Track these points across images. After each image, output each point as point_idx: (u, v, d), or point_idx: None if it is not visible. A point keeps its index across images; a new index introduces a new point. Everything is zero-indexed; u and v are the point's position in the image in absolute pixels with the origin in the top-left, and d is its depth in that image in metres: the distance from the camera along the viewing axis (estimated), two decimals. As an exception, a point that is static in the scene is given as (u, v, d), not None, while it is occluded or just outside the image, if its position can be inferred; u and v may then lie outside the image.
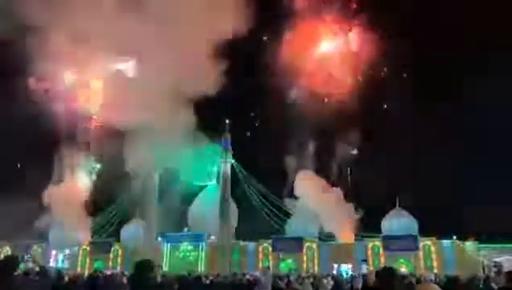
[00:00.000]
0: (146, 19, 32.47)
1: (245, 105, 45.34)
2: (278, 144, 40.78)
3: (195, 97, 35.65)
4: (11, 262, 5.74)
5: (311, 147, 41.88)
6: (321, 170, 41.43)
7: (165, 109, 32.84)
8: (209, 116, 39.00)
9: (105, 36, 33.84)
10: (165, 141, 32.92)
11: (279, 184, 41.51)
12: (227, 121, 40.89)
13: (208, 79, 33.85)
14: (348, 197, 39.51)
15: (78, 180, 41.69)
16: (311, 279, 15.86)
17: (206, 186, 43.97)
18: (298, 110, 40.33)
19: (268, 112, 41.98)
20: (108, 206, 42.43)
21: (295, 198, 39.45)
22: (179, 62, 32.19)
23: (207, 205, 40.31)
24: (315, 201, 37.14)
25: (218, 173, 41.83)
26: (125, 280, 14.07)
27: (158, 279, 8.83)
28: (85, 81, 42.06)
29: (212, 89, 34.68)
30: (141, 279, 5.10)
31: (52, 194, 39.15)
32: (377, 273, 4.42)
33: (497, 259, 30.64)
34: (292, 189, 39.82)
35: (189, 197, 42.61)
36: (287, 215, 39.72)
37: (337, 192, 39.80)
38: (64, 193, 38.80)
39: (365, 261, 32.94)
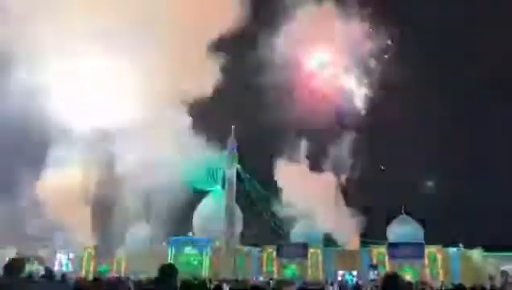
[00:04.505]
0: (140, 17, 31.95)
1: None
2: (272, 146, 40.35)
3: (197, 100, 35.37)
4: (18, 264, 5.79)
5: (303, 148, 40.99)
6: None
7: (164, 111, 32.43)
8: (213, 120, 38.91)
9: (98, 32, 32.75)
10: (166, 143, 32.63)
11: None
12: (232, 126, 40.91)
13: (206, 79, 33.43)
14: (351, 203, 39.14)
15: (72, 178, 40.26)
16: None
17: (211, 191, 43.93)
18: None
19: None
20: (111, 210, 42.02)
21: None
22: (176, 61, 31.70)
23: (212, 210, 40.24)
24: (301, 192, 35.45)
25: (223, 178, 41.74)
26: (130, 285, 14.05)
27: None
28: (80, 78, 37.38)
29: (210, 90, 34.10)
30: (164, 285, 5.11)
31: (46, 190, 38.25)
32: (383, 279, 4.41)
33: (504, 268, 30.28)
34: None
35: (194, 202, 42.59)
36: (291, 221, 39.38)
37: (327, 177, 38.53)
38: (60, 189, 37.56)
39: (374, 267, 32.10)
